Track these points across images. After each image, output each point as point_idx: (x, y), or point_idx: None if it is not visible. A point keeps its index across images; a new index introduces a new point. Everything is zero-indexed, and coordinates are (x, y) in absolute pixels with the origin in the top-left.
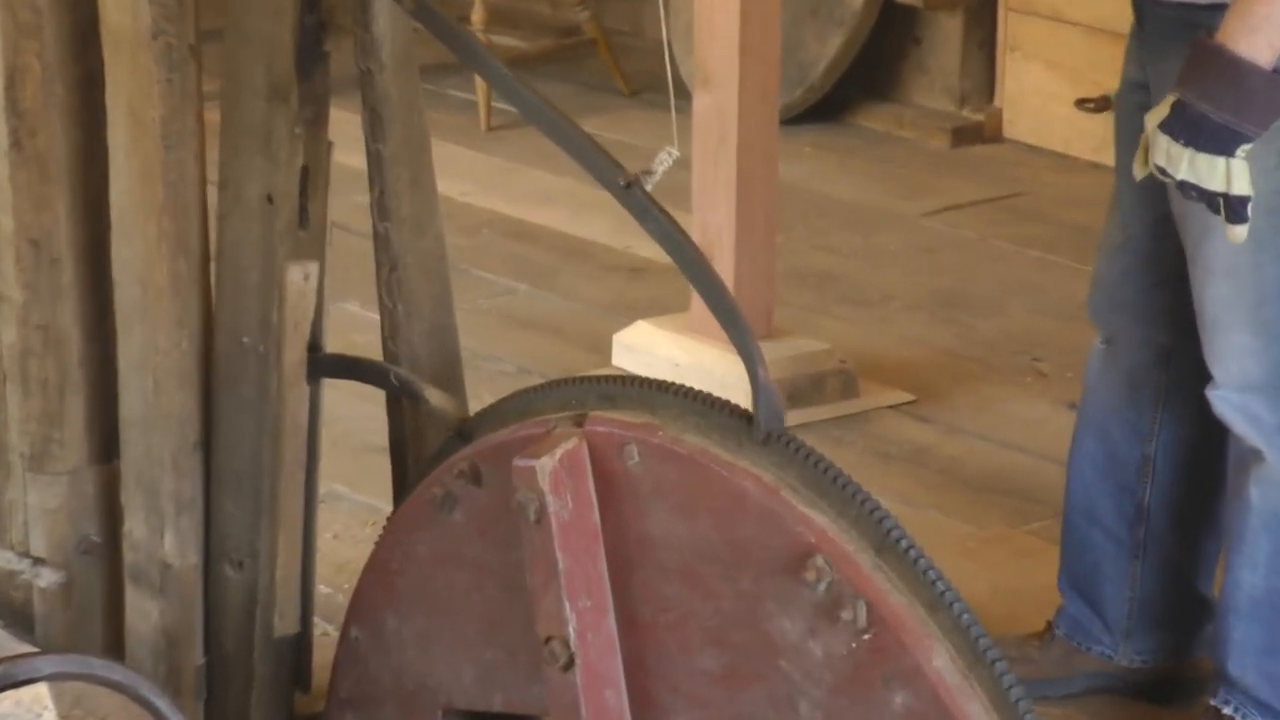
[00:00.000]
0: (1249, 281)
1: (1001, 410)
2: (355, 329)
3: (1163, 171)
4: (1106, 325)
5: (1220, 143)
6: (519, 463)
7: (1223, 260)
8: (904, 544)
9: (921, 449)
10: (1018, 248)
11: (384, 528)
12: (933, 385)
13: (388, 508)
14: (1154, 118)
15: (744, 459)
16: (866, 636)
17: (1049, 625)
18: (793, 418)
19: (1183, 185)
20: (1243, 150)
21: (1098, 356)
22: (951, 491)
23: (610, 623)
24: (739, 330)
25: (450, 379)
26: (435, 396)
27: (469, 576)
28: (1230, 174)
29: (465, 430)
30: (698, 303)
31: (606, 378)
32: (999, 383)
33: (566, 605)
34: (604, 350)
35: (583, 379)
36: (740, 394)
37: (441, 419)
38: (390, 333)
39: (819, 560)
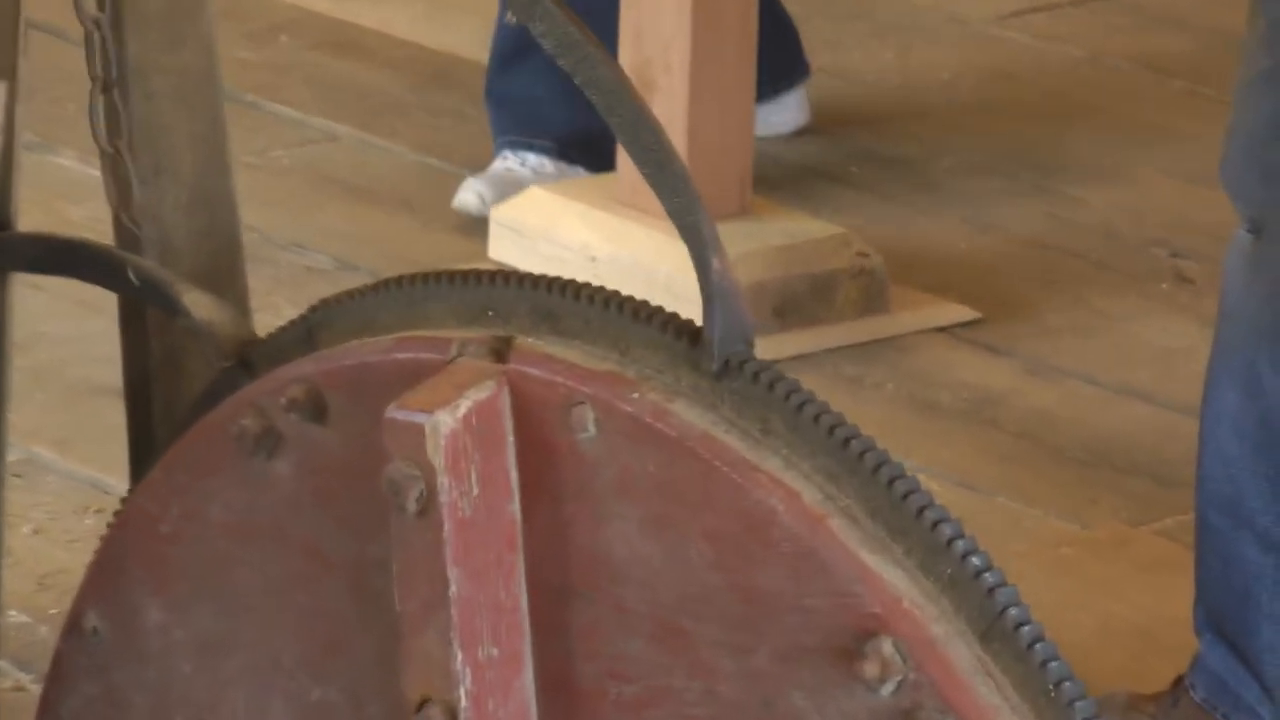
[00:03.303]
0: None
1: (1120, 336)
2: (71, 194)
3: None
4: (1251, 203)
5: None
6: (396, 414)
7: None
8: (1017, 619)
9: (990, 397)
10: (1147, 73)
11: (154, 467)
12: (1008, 295)
13: (120, 485)
14: None
15: (762, 450)
16: None
17: (1178, 682)
18: (780, 344)
19: None
20: None
21: (1240, 253)
22: (1037, 465)
23: (527, 686)
24: (682, 200)
25: (225, 277)
26: (201, 304)
27: (293, 565)
28: None
29: (251, 358)
30: (625, 159)
31: (543, 278)
32: (1116, 292)
33: (458, 652)
34: (474, 233)
35: (498, 274)
36: (698, 308)
37: (211, 341)
38: (124, 203)
39: (886, 645)
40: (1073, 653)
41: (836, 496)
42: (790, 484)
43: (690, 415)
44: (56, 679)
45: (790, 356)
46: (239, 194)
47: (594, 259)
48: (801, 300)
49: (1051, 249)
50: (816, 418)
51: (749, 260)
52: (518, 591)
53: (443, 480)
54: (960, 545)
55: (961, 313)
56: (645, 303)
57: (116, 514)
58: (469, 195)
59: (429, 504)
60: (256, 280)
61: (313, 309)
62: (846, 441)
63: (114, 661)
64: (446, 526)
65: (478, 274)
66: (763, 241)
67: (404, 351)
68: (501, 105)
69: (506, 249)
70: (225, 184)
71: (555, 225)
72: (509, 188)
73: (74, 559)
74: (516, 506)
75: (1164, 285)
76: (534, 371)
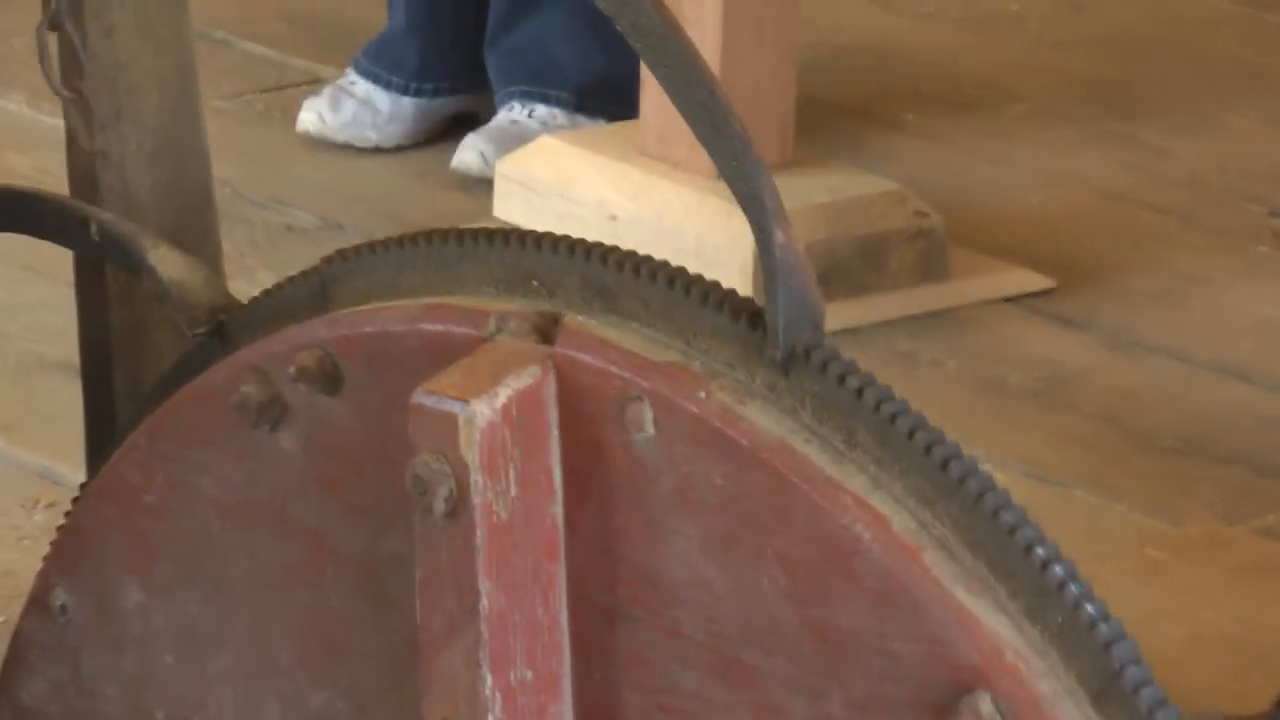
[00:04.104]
0: None
1: (1213, 305)
2: (18, 141)
3: None
4: None
5: None
6: (425, 400)
7: None
8: (1137, 680)
9: (1065, 376)
10: (1241, 6)
11: (138, 429)
12: (1086, 259)
13: (75, 474)
14: None
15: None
16: None
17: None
18: (827, 318)
19: None
20: None
21: None
22: (1120, 454)
23: (564, 716)
24: (742, 165)
25: (195, 236)
26: (169, 263)
27: (295, 554)
28: None
29: (227, 327)
30: (651, 103)
31: (598, 246)
32: (1208, 254)
33: (487, 675)
34: (476, 189)
35: (546, 236)
36: (735, 275)
37: (182, 306)
38: (80, 151)
39: (984, 703)
40: (1161, 667)
41: (931, 525)
42: (878, 508)
43: (765, 421)
44: (17, 660)
45: (836, 331)
46: (210, 143)
47: (614, 218)
48: (849, 266)
49: (1134, 205)
50: (911, 432)
51: (791, 218)
52: (558, 608)
53: (476, 479)
54: (1073, 590)
55: (1032, 280)
56: (716, 284)
57: (88, 481)
58: (469, 154)
59: (459, 505)
60: (230, 241)
61: (327, 261)
62: (945, 462)
63: (85, 645)
64: (479, 531)
65: (521, 235)
66: (805, 198)
67: (434, 322)
68: (507, 54)
69: (514, 207)
70: (194, 131)
71: (570, 179)
72: (515, 144)
73: (24, 560)
74: (559, 512)
75: (1262, 247)
76: (585, 358)
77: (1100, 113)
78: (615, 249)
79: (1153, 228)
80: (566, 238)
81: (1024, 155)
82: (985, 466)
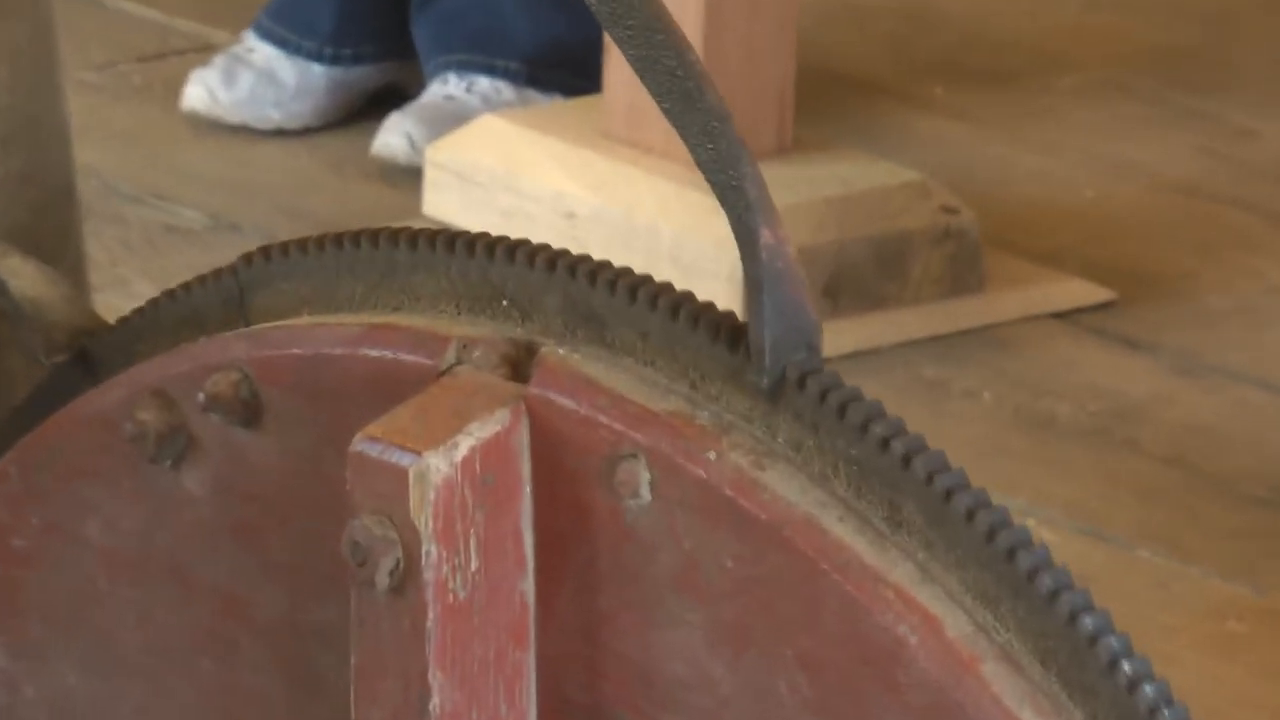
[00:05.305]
0: None
1: None
2: None
3: None
4: None
5: None
6: (367, 449)
7: None
8: None
9: (1127, 410)
10: None
11: (6, 457)
12: (1151, 266)
13: None
14: None
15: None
16: None
17: None
18: (833, 336)
19: None
20: None
21: None
22: (1194, 505)
23: None
24: (720, 148)
25: (54, 239)
26: (22, 275)
27: (199, 618)
28: None
29: (94, 351)
30: (620, 80)
31: (585, 260)
32: None
33: None
34: (402, 180)
35: (520, 246)
36: (721, 285)
37: (37, 328)
38: None
39: None
40: None
41: (994, 629)
42: (928, 605)
43: (789, 489)
44: None
45: (847, 354)
46: (74, 125)
47: (571, 215)
48: (863, 274)
49: (1211, 201)
50: (971, 513)
51: (789, 217)
52: (525, 705)
53: (429, 548)
54: (1167, 717)
55: (1086, 292)
56: (730, 314)
57: None
58: (394, 137)
59: (407, 579)
60: (98, 245)
61: (246, 260)
62: (1012, 552)
63: None
64: (431, 612)
65: (490, 241)
66: (809, 191)
67: (379, 346)
68: (443, 16)
69: (448, 201)
70: (53, 111)
71: (518, 168)
72: (450, 124)
73: None
74: (531, 590)
75: None
76: (567, 401)
77: (1168, 87)
78: (607, 265)
79: (1233, 228)
80: (546, 248)
81: (1075, 139)
82: (1029, 521)
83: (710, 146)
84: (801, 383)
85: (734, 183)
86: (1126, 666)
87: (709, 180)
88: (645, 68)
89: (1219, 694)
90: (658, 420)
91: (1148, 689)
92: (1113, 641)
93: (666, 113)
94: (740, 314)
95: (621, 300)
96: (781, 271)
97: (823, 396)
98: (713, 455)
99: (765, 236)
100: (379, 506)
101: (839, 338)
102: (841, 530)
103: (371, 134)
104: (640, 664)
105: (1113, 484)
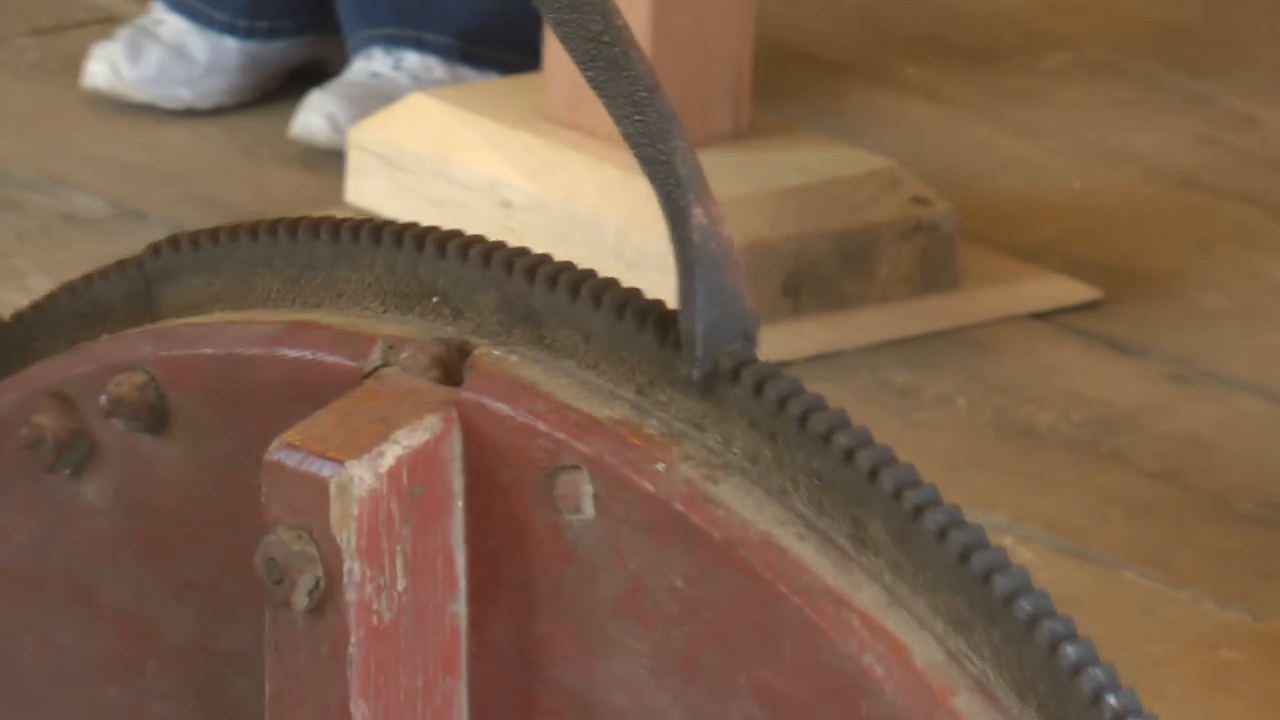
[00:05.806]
0: None
1: None
2: None
3: None
4: None
5: None
6: (283, 457)
7: None
8: None
9: (1115, 419)
10: None
11: None
12: (1142, 263)
13: None
14: None
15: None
16: None
17: None
18: (793, 338)
19: None
20: None
21: None
22: (1186, 522)
23: None
24: (647, 120)
25: None
26: None
27: (103, 641)
28: None
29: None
30: (559, 56)
31: (524, 254)
32: None
33: None
34: (323, 165)
35: (452, 237)
36: (669, 279)
37: None
38: None
39: None
40: None
41: (967, 658)
42: (895, 632)
43: (744, 505)
44: None
45: (807, 357)
46: None
47: (507, 204)
48: (825, 270)
49: (1208, 193)
50: (943, 532)
51: (745, 208)
52: None
53: (351, 566)
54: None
55: (1071, 290)
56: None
57: None
58: (313, 116)
59: (327, 600)
60: None
61: (153, 251)
62: (988, 575)
63: None
64: (354, 636)
65: (419, 233)
66: (766, 180)
67: (298, 346)
68: None
69: (372, 188)
70: None
71: (449, 152)
72: (375, 104)
73: None
74: (462, 612)
75: None
76: (502, 408)
77: (1164, 68)
78: (546, 259)
79: (1232, 222)
80: (480, 240)
81: (1062, 123)
82: (1006, 539)
83: (638, 118)
84: (736, 374)
85: (663, 157)
86: (1112, 700)
87: (636, 155)
88: (569, 33)
89: None
90: (601, 429)
91: None
92: (1097, 672)
93: (591, 82)
94: None
95: (562, 298)
96: (715, 255)
97: (782, 403)
98: (661, 467)
99: (697, 216)
100: (297, 520)
101: (799, 340)
102: (801, 550)
103: (290, 114)
104: (580, 694)
105: (1098, 500)
